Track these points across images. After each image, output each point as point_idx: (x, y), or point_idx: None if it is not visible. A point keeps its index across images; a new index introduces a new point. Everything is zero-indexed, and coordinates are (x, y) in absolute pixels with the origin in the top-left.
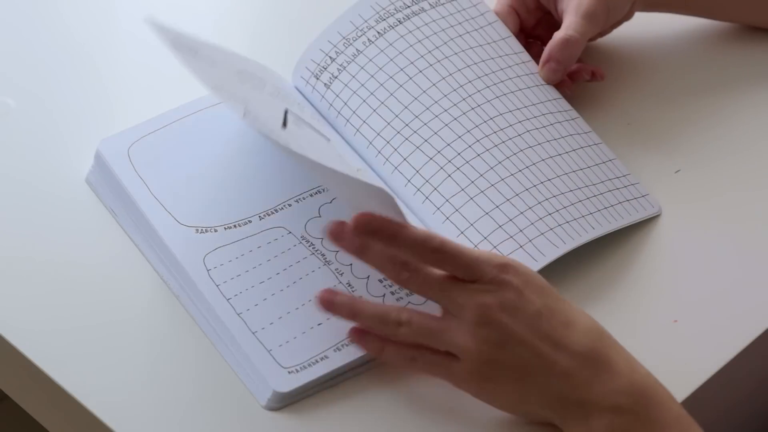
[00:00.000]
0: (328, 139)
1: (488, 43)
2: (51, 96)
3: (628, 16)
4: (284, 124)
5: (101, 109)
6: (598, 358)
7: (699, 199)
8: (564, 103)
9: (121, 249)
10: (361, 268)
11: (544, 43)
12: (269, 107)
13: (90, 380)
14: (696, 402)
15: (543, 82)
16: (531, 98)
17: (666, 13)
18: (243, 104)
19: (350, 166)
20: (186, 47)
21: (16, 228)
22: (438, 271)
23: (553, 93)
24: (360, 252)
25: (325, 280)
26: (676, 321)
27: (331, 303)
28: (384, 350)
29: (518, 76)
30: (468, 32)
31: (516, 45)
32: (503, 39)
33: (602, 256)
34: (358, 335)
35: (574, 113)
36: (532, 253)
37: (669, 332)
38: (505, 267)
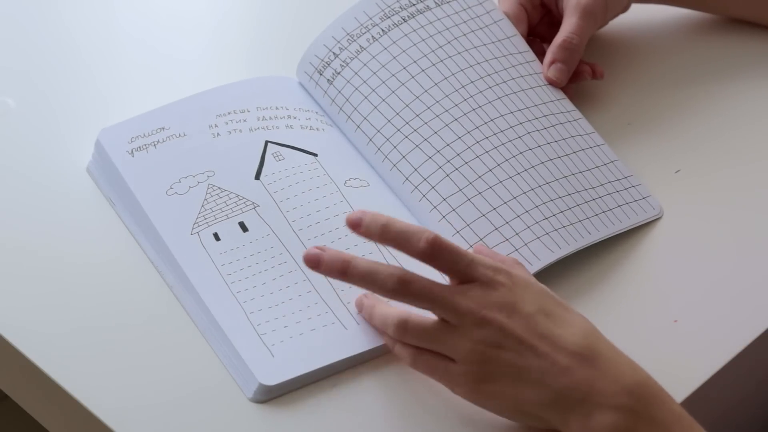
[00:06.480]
0: (315, 155)
1: (492, 42)
2: (51, 90)
3: (625, 8)
4: (258, 172)
5: (101, 104)
6: (598, 357)
7: (699, 199)
8: (567, 104)
9: (117, 239)
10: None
11: (544, 41)
12: (243, 157)
13: (83, 373)
14: (696, 402)
15: (546, 83)
16: (534, 99)
17: (659, 4)
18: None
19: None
20: (148, 139)
21: (15, 223)
22: (429, 280)
23: (556, 93)
24: (343, 272)
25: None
26: (676, 321)
27: (361, 305)
28: (394, 347)
29: (522, 76)
30: (473, 31)
31: (521, 44)
32: (508, 38)
33: (601, 255)
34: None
35: (577, 114)
36: (527, 256)
37: (669, 332)
38: (500, 269)
